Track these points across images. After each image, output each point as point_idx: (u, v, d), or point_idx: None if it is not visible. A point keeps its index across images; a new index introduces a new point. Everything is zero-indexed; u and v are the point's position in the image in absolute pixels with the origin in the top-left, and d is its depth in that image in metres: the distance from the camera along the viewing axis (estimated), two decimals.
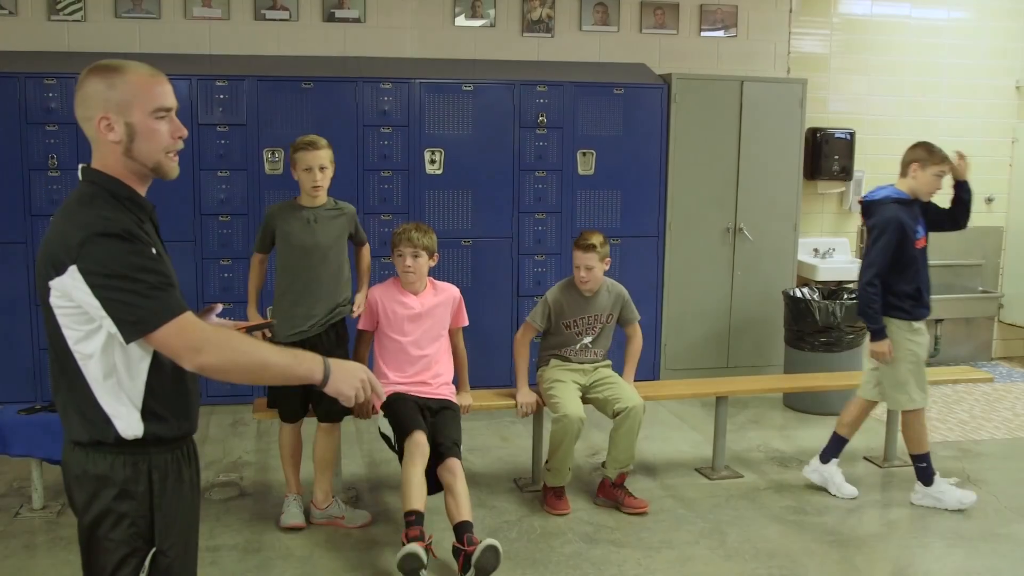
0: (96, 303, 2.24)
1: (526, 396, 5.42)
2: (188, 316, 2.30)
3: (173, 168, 2.48)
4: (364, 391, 2.48)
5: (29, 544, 4.77)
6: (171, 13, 7.21)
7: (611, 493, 5.26)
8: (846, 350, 6.93)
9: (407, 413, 4.77)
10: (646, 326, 6.28)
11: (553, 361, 5.44)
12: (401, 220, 6.92)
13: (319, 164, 4.78)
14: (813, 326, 6.95)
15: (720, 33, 8.12)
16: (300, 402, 4.98)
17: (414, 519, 4.40)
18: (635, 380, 5.54)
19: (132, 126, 2.38)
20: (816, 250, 8.31)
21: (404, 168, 7.06)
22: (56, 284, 2.29)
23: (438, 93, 7.08)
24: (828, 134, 8.15)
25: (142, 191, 2.46)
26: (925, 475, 5.36)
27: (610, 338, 5.52)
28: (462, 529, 4.41)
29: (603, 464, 5.35)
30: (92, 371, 2.36)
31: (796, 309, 7.07)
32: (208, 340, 2.31)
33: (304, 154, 4.79)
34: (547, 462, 5.22)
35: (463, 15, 7.65)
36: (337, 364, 2.46)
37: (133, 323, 2.25)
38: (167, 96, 2.43)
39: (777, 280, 7.69)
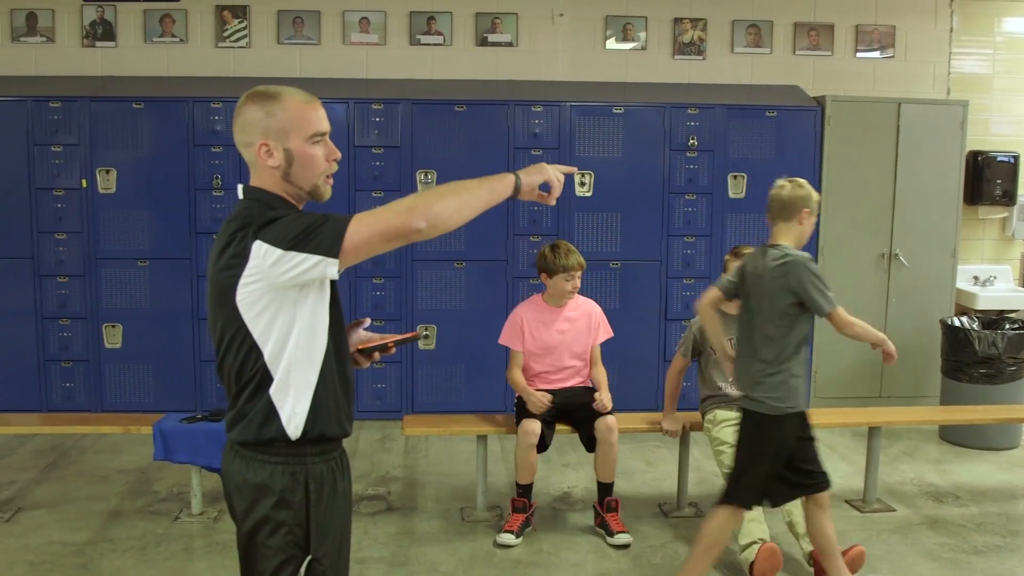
0: (291, 255, 2.32)
1: (672, 424, 5.39)
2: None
3: (327, 190, 2.59)
4: (557, 174, 2.62)
5: (188, 547, 4.97)
6: (330, 39, 7.45)
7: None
8: (1008, 382, 6.66)
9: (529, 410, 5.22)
10: None
11: (718, 413, 5.16)
12: (550, 241, 6.97)
13: None
14: (972, 357, 6.71)
15: (876, 54, 7.95)
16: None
17: (522, 491, 5.14)
18: None
19: (290, 152, 2.49)
20: (976, 278, 8.03)
21: None
22: (246, 271, 2.38)
23: (588, 116, 7.12)
24: (990, 157, 7.87)
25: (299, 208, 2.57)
26: None
27: None
28: (603, 492, 5.19)
29: (803, 549, 4.75)
30: (268, 367, 2.46)
31: (954, 339, 6.84)
32: (405, 200, 2.36)
33: None
34: (741, 544, 4.63)
35: (614, 38, 7.68)
36: (524, 170, 2.59)
37: (329, 244, 2.32)
38: (322, 121, 2.53)
39: (934, 308, 7.46)
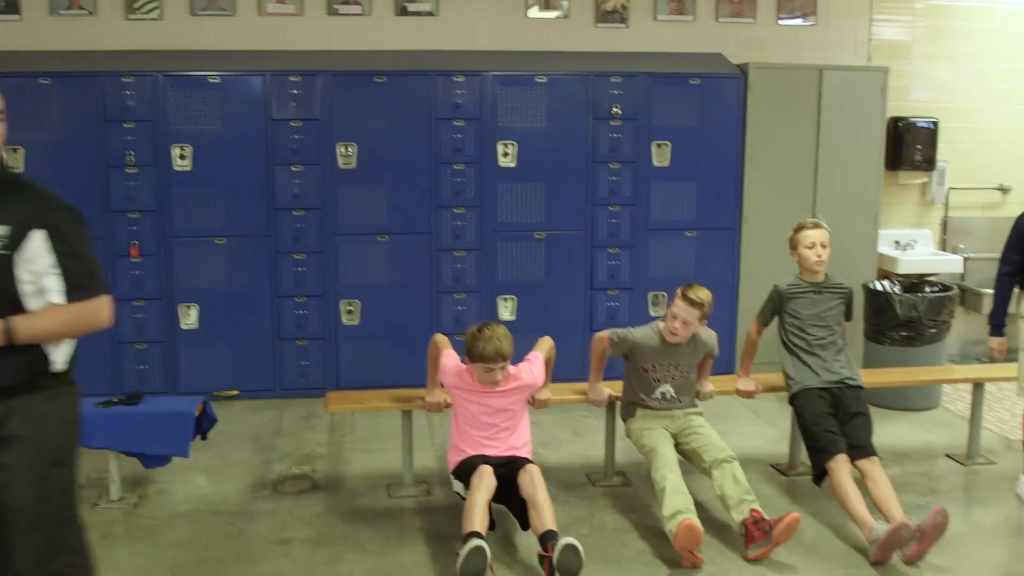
0: None
1: (598, 393, 5.35)
2: None
3: None
4: None
5: (107, 535, 4.83)
6: (245, 10, 7.27)
7: (755, 533, 4.55)
8: (927, 344, 6.74)
9: (474, 461, 4.61)
10: (722, 320, 6.19)
11: (639, 412, 5.15)
12: (474, 213, 6.94)
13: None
14: (894, 320, 6.78)
15: (799, 21, 7.96)
16: None
17: (473, 535, 4.21)
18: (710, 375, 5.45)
19: None
20: (897, 242, 8.12)
21: (477, 161, 7.03)
22: None
23: (511, 85, 7.04)
24: (910, 123, 7.95)
25: None
26: None
27: (693, 387, 5.25)
28: (546, 538, 4.27)
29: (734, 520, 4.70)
30: None
31: (876, 303, 6.90)
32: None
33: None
34: (665, 515, 4.59)
35: (536, 6, 7.60)
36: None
37: None
38: None
39: (856, 273, 7.47)
